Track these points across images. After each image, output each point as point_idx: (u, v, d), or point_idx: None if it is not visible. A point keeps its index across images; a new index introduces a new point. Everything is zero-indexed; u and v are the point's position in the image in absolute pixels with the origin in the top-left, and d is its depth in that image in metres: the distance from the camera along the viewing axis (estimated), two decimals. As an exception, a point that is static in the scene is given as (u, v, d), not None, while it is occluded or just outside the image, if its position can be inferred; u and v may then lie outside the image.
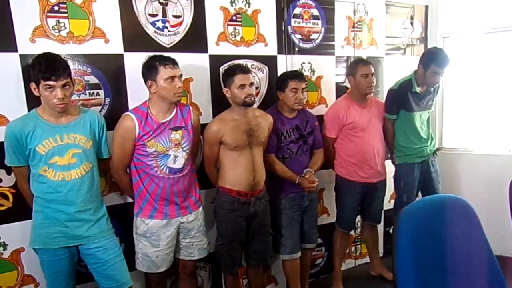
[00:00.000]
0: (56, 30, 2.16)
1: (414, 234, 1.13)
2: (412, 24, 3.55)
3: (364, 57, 3.17)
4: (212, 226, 2.57)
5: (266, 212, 2.56)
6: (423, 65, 2.91)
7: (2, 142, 1.96)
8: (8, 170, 2.09)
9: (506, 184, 1.99)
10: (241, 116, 2.41)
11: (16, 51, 2.07)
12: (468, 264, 1.18)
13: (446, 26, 3.63)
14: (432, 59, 2.86)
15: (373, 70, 2.84)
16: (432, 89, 3.04)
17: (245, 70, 2.37)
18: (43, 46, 2.10)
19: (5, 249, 2.18)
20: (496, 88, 3.54)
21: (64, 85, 1.88)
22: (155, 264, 2.27)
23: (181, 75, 2.19)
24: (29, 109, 2.06)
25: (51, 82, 1.84)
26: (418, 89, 2.95)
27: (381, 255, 3.43)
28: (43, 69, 1.83)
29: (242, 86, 2.32)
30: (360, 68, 2.82)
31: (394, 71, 3.46)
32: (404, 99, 2.96)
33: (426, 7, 3.62)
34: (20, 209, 2.14)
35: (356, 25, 3.21)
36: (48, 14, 2.13)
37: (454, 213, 1.22)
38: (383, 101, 3.18)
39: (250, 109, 2.44)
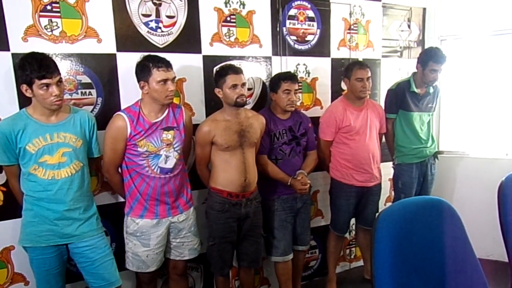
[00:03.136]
0: (49, 29, 2.17)
1: (393, 236, 1.10)
2: (409, 26, 3.53)
3: (360, 59, 3.16)
4: (205, 227, 2.57)
5: (257, 214, 2.54)
6: (421, 64, 2.96)
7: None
8: (-1, 169, 2.10)
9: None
10: (233, 117, 2.40)
11: (8, 50, 2.08)
12: (448, 268, 1.16)
13: (444, 28, 3.62)
14: (430, 57, 2.91)
15: (369, 74, 2.81)
16: (431, 91, 3.05)
17: (237, 70, 2.36)
18: (35, 45, 2.11)
19: (-5, 247, 2.19)
20: (493, 91, 3.52)
21: (58, 82, 1.89)
22: (145, 264, 2.26)
23: (174, 78, 2.18)
24: (20, 108, 2.06)
25: (47, 80, 1.85)
26: (416, 90, 3.00)
27: (376, 258, 3.40)
28: (36, 68, 1.83)
29: (234, 86, 2.31)
30: (355, 71, 2.80)
31: (391, 74, 3.44)
32: (402, 98, 3.00)
33: (424, 9, 3.60)
34: (10, 207, 2.15)
35: (352, 27, 3.20)
36: (41, 13, 2.14)
37: (436, 216, 1.20)
38: (380, 103, 3.18)
39: (242, 110, 2.43)
